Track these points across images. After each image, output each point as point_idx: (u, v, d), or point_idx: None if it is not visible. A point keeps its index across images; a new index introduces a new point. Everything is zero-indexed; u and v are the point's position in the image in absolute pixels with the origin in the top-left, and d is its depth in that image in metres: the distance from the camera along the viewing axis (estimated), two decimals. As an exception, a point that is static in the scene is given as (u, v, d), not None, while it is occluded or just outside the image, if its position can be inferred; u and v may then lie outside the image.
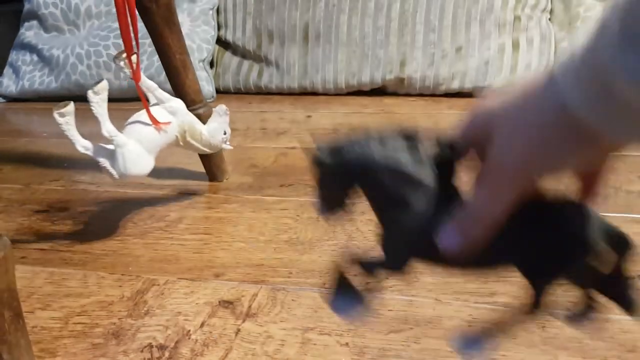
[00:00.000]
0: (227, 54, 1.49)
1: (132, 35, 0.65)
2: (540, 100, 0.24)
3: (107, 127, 0.62)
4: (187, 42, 0.84)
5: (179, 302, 0.57)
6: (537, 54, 1.27)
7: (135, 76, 0.67)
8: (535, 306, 0.31)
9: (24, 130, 1.36)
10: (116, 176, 0.64)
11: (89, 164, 1.02)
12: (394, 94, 1.36)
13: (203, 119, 0.82)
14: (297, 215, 0.74)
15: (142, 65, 1.38)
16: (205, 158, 0.87)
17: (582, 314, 0.33)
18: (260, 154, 1.00)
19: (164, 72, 0.81)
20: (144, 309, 0.57)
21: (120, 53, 0.66)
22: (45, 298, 0.60)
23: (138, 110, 0.69)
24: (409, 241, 0.30)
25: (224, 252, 0.67)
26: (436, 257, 0.29)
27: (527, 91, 0.25)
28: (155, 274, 0.63)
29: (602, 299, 0.32)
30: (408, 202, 0.29)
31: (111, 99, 0.68)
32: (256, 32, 1.45)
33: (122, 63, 0.66)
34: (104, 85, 0.62)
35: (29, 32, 1.59)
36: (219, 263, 0.64)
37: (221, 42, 1.49)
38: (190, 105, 0.80)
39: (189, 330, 0.53)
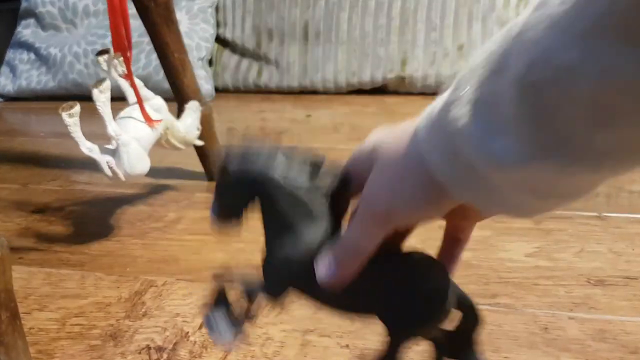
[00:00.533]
0: (226, 53, 1.48)
1: (124, 32, 0.64)
2: (406, 149, 0.26)
3: (113, 127, 0.62)
4: (186, 40, 0.83)
5: (178, 304, 0.57)
6: (537, 53, 1.27)
7: (130, 73, 0.66)
8: (390, 357, 0.32)
9: (21, 130, 1.35)
10: (122, 177, 0.63)
11: (87, 164, 1.01)
12: (395, 93, 1.35)
13: (202, 118, 0.81)
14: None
15: (140, 64, 1.38)
16: (203, 158, 0.86)
17: None
18: (259, 154, 0.99)
19: (162, 71, 0.81)
20: (142, 310, 0.56)
21: (104, 51, 0.65)
22: (42, 299, 0.59)
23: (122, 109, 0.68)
24: (291, 269, 0.30)
25: (222, 253, 0.66)
26: (313, 289, 0.30)
27: (403, 134, 0.26)
28: (153, 275, 0.62)
29: None
30: (296, 228, 0.29)
31: (112, 98, 0.67)
32: (256, 30, 1.44)
33: (116, 61, 0.65)
34: (108, 85, 0.61)
35: (26, 31, 1.58)
36: (218, 264, 0.64)
37: (220, 40, 1.49)
38: (189, 104, 0.80)
39: (188, 332, 0.52)
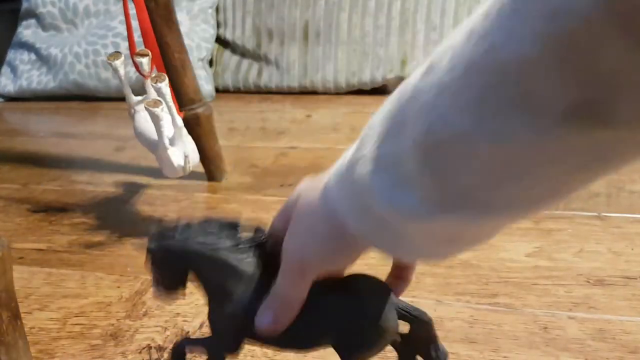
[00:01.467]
0: (227, 53, 1.48)
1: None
2: (319, 203, 0.27)
3: (178, 120, 0.63)
4: (186, 40, 0.83)
5: (178, 303, 0.57)
6: (537, 53, 1.27)
7: (164, 72, 0.68)
8: None
9: (22, 130, 1.35)
10: (189, 170, 0.66)
11: (87, 164, 1.01)
12: (394, 93, 1.35)
13: (202, 118, 0.81)
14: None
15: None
16: (204, 158, 0.86)
17: None
18: (259, 154, 0.99)
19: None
20: (143, 310, 0.56)
21: (115, 54, 0.66)
22: (43, 299, 0.60)
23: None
24: (235, 324, 0.32)
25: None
26: (261, 337, 0.32)
27: (318, 188, 0.27)
28: (154, 275, 0.62)
29: None
30: (228, 288, 0.31)
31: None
32: (256, 30, 1.44)
33: (142, 60, 0.67)
34: (167, 79, 0.64)
35: (27, 31, 1.59)
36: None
37: (220, 40, 1.49)
38: (189, 104, 0.80)
39: (188, 332, 0.52)
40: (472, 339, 0.49)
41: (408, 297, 0.55)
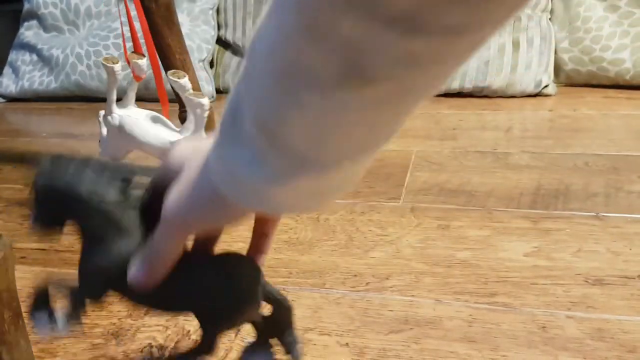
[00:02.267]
0: (227, 54, 1.49)
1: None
2: (201, 168, 0.28)
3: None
4: (187, 42, 0.84)
5: (179, 303, 0.57)
6: (537, 54, 1.27)
7: (159, 74, 0.69)
8: (206, 350, 0.34)
9: (24, 130, 1.36)
10: None
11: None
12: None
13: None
14: (297, 215, 0.74)
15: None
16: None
17: (258, 353, 0.36)
18: (260, 154, 0.99)
19: (164, 72, 0.81)
20: (144, 309, 0.56)
21: (112, 58, 0.67)
22: (44, 298, 0.60)
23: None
24: (104, 275, 0.32)
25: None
26: (129, 292, 0.32)
27: (202, 148, 0.29)
28: (155, 274, 0.63)
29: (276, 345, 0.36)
30: (106, 239, 0.31)
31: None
32: (256, 31, 1.45)
33: (140, 62, 0.68)
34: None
35: (29, 32, 1.59)
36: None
37: (221, 42, 1.49)
38: (190, 105, 0.80)
39: (189, 331, 0.53)
40: (470, 338, 0.49)
41: (407, 296, 0.55)
